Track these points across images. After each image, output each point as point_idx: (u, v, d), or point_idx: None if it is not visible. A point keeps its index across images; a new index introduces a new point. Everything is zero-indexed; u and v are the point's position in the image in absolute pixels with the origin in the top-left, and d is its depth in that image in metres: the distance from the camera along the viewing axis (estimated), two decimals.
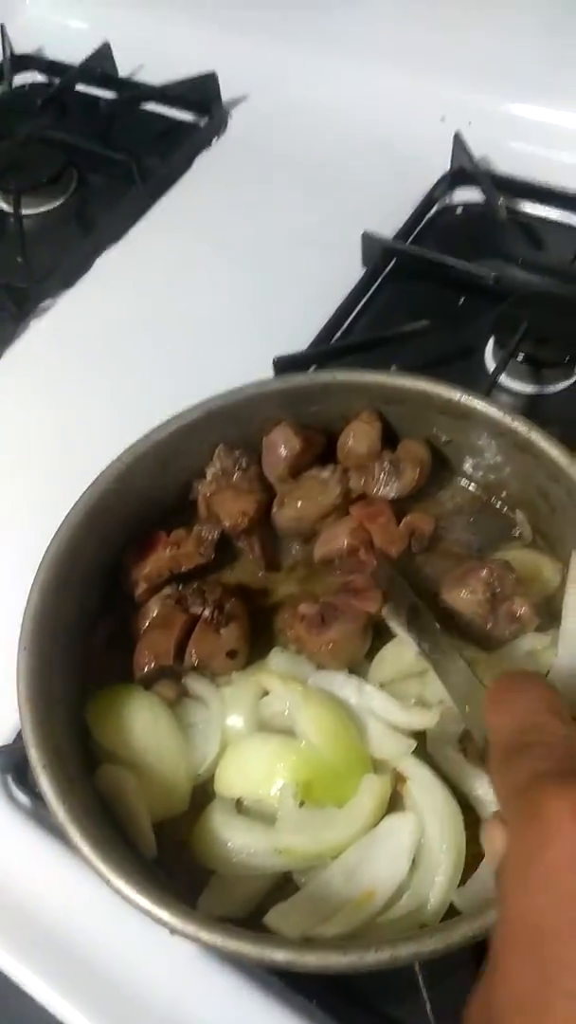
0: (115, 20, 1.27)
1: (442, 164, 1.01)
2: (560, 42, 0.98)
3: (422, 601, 0.63)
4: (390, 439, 0.73)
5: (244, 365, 0.85)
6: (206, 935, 0.48)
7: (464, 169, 0.98)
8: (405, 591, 0.63)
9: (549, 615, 0.65)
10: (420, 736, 0.61)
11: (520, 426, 0.63)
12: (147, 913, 0.49)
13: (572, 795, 0.35)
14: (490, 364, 0.87)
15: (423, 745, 0.61)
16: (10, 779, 0.69)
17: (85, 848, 0.52)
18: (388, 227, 0.98)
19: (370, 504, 0.70)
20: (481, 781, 0.59)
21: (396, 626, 0.65)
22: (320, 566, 0.71)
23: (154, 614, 0.68)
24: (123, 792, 0.60)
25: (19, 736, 0.61)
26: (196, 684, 0.66)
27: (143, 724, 0.63)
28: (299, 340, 0.90)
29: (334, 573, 0.70)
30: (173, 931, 0.49)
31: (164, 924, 0.49)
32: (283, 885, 0.58)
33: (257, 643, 0.68)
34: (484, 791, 0.59)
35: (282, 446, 0.71)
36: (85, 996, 0.59)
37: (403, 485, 0.69)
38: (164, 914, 0.49)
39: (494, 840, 0.39)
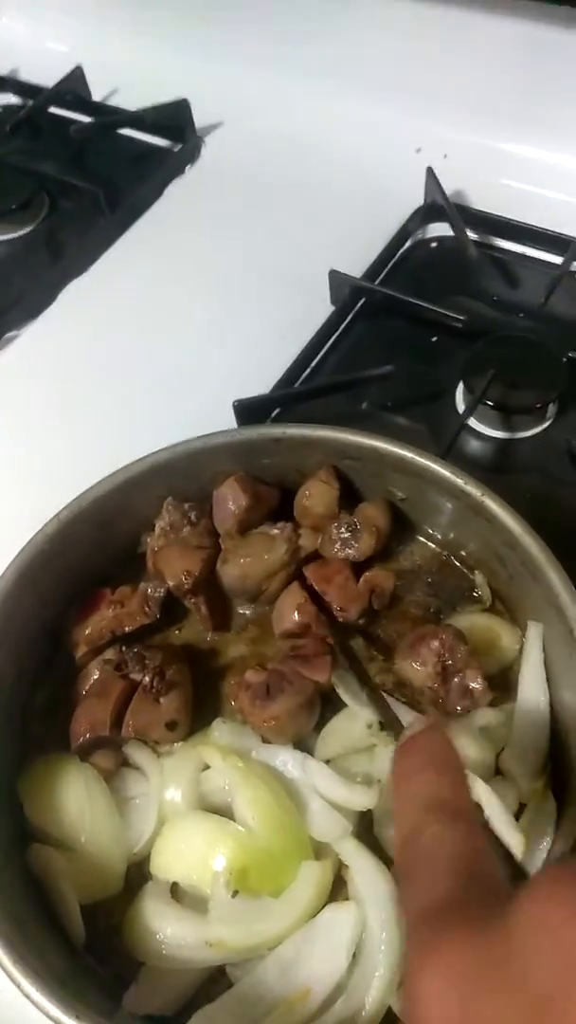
0: (92, 43, 1.25)
1: (416, 197, 0.98)
2: (537, 77, 0.95)
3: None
4: (350, 494, 0.70)
5: (209, 405, 0.83)
6: None
7: (437, 203, 0.95)
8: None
9: (505, 687, 0.62)
10: (367, 818, 0.58)
11: (473, 490, 0.60)
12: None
13: (440, 964, 0.30)
14: (460, 406, 0.84)
15: (370, 828, 0.58)
16: None
17: None
18: (361, 260, 0.95)
19: (325, 564, 0.67)
20: None
21: (346, 695, 0.62)
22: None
23: (93, 679, 0.65)
24: (52, 874, 0.57)
25: None
26: (137, 754, 0.63)
27: (76, 800, 0.59)
28: (267, 378, 0.87)
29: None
30: None
31: None
32: (217, 978, 0.55)
33: (205, 708, 0.65)
34: None
35: (230, 501, 0.68)
36: None
37: (360, 551, 0.66)
38: None
39: None
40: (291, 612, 0.63)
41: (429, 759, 0.41)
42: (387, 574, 0.67)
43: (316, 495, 0.68)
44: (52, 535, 0.63)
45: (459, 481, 0.61)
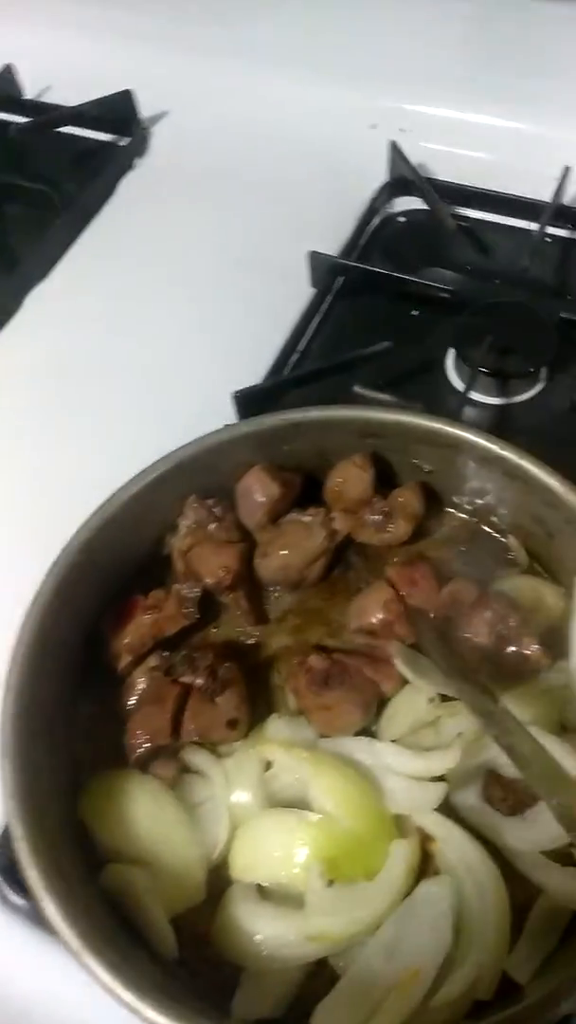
0: (19, 41, 1.20)
1: (378, 173, 0.98)
2: (479, 46, 0.97)
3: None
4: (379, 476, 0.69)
5: (198, 401, 0.81)
6: None
7: (404, 177, 0.95)
8: (455, 663, 0.57)
9: (557, 644, 0.62)
10: None
11: (511, 454, 0.60)
12: None
13: None
14: (452, 377, 0.85)
15: (446, 799, 0.58)
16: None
17: (100, 971, 0.47)
18: (329, 241, 0.95)
19: (408, 566, 0.65)
20: (512, 831, 0.56)
21: (405, 668, 0.61)
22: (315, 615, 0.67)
23: (141, 688, 0.63)
24: (135, 892, 0.55)
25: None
26: (195, 757, 0.61)
27: (146, 813, 0.58)
28: (253, 368, 0.86)
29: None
30: None
31: None
32: (318, 972, 0.54)
33: (256, 704, 0.64)
34: (515, 839, 0.56)
35: (259, 492, 0.66)
36: None
37: (395, 536, 0.66)
38: None
39: None
40: (377, 608, 0.63)
41: None
42: (470, 585, 0.65)
43: (351, 480, 0.67)
44: (90, 540, 0.60)
45: (494, 447, 0.61)
